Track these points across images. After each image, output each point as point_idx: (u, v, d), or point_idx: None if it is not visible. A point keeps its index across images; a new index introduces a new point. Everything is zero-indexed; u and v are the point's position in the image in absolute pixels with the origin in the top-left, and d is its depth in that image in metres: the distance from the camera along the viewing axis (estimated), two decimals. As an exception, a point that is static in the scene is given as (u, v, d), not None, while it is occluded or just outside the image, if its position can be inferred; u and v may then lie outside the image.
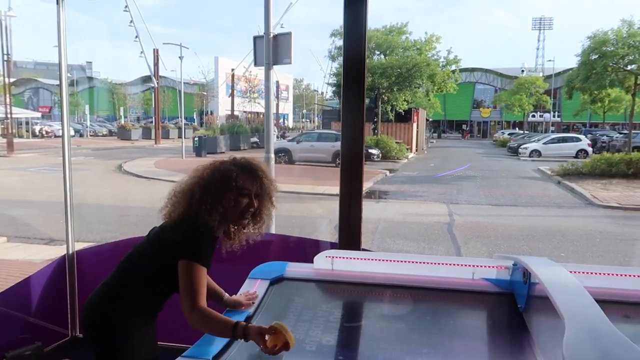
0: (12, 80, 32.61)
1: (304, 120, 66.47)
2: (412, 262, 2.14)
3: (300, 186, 13.33)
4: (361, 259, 2.18)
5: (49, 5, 2.99)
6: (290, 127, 56.71)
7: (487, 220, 9.85)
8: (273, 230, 6.33)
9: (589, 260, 7.04)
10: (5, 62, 24.69)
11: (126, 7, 25.35)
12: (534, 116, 49.02)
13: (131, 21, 26.09)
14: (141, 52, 28.56)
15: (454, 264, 2.11)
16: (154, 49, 31.66)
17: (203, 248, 1.65)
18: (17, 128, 34.39)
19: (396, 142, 24.55)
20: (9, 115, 24.37)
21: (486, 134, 55.30)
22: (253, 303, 1.88)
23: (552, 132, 38.81)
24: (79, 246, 3.45)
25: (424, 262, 2.14)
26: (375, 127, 25.96)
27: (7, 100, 24.93)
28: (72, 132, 37.83)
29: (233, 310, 1.84)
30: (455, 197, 12.70)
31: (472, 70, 55.04)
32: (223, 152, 25.92)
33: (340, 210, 2.53)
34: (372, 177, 16.23)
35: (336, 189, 2.57)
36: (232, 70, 37.97)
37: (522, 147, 27.00)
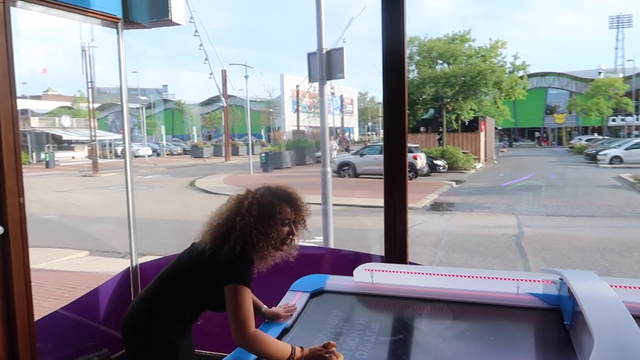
0: (96, 105, 35.36)
1: (369, 133, 66.28)
2: (454, 275, 2.10)
3: (361, 199, 13.32)
4: (401, 272, 2.16)
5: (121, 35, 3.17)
6: (356, 140, 56.79)
7: (560, 232, 9.32)
8: (331, 244, 6.41)
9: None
10: (89, 89, 26.79)
11: (196, 32, 26.69)
12: (614, 120, 45.78)
13: (201, 45, 27.43)
14: (210, 74, 29.88)
15: (498, 278, 2.04)
16: (221, 70, 33.17)
17: (246, 271, 1.71)
18: (101, 149, 37.10)
19: (463, 153, 23.90)
20: (94, 138, 26.46)
21: (561, 141, 52.34)
22: (291, 315, 1.93)
23: (636, 136, 36.08)
24: (148, 259, 3.70)
25: (466, 276, 2.09)
26: (441, 137, 25.45)
27: (93, 124, 27.04)
28: (150, 152, 40.42)
29: (271, 322, 1.90)
30: (525, 208, 12.13)
31: (544, 74, 52.48)
32: (289, 167, 26.43)
33: (385, 222, 2.52)
34: (437, 188, 15.89)
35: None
36: (297, 86, 38.79)
37: (600, 153, 25.33)
